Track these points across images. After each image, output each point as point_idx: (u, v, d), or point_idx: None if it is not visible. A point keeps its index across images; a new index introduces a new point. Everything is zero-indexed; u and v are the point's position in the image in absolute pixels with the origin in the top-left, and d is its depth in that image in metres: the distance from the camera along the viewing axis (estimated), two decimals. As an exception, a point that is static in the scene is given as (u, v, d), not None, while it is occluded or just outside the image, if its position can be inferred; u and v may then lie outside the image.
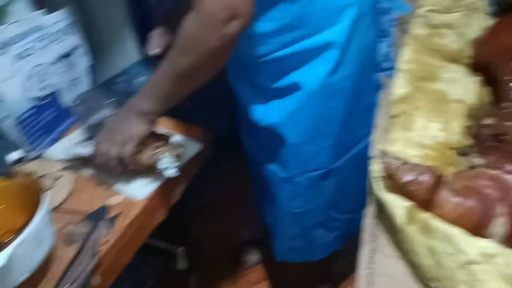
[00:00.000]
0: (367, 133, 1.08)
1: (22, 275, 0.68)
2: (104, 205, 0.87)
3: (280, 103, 0.99)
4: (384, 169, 0.60)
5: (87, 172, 0.96)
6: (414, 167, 0.59)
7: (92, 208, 0.85)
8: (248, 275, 1.65)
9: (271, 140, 1.04)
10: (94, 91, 1.02)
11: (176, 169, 0.87)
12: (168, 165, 0.86)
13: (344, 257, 1.51)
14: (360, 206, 1.23)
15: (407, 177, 0.59)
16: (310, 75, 0.94)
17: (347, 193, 1.14)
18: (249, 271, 1.66)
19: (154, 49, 1.04)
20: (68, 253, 0.76)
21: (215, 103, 1.63)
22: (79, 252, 0.73)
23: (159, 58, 1.02)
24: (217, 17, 0.71)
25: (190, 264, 1.34)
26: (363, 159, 1.11)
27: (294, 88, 0.96)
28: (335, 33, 0.91)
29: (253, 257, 1.66)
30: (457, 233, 0.49)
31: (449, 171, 0.68)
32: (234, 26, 0.73)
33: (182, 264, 1.20)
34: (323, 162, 1.05)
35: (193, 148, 1.02)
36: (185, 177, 1.00)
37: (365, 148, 1.08)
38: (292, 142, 1.01)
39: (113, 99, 1.01)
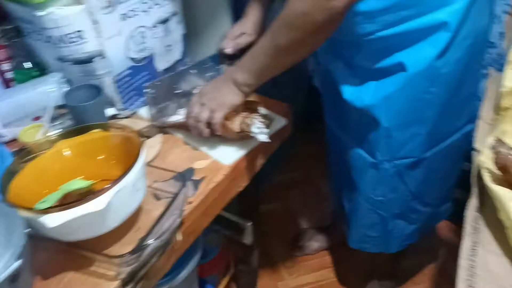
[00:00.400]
0: (463, 124, 1.04)
1: (116, 222, 0.71)
2: (191, 167, 0.89)
3: (378, 84, 0.95)
4: (497, 159, 0.56)
5: (177, 134, 0.99)
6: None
7: (180, 168, 0.88)
8: (308, 261, 1.64)
9: (362, 122, 1.01)
10: (167, 80, 1.05)
11: (266, 135, 0.88)
12: (260, 130, 0.87)
13: (413, 256, 1.46)
14: (443, 199, 1.20)
15: (524, 170, 0.54)
16: (416, 57, 0.89)
17: (433, 185, 1.09)
18: (309, 257, 1.65)
19: (227, 47, 1.06)
20: (156, 207, 0.79)
21: (292, 82, 1.62)
22: (166, 209, 0.75)
23: (231, 57, 1.05)
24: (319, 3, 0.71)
25: (255, 240, 1.36)
26: (455, 150, 1.06)
27: (396, 69, 0.92)
28: (449, 13, 0.86)
29: (315, 243, 1.65)
30: None
31: None
32: (342, 1, 0.72)
33: (248, 239, 1.21)
34: (414, 150, 1.01)
35: (278, 122, 1.02)
36: (267, 151, 1.01)
37: (459, 140, 1.04)
38: (384, 125, 0.97)
39: (183, 90, 1.04)
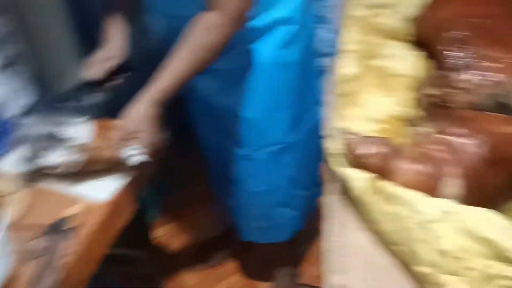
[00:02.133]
0: (319, 107, 1.14)
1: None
2: (64, 215, 0.84)
3: (236, 81, 1.01)
4: (343, 144, 0.62)
5: (44, 183, 0.91)
6: (372, 140, 0.62)
7: (52, 219, 0.82)
8: (215, 271, 1.64)
9: (228, 119, 1.06)
10: (39, 108, 0.98)
11: (142, 155, 0.85)
12: (132, 153, 0.84)
13: (306, 241, 1.54)
14: (320, 180, 1.28)
15: (367, 150, 0.61)
16: (266, 49, 0.98)
17: (307, 168, 1.18)
18: (216, 267, 1.65)
19: (95, 74, 1.03)
20: (29, 269, 0.73)
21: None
22: (40, 268, 0.70)
23: (99, 83, 1.03)
24: (239, 13, 0.80)
25: (155, 267, 1.32)
26: (319, 133, 1.16)
27: (251, 63, 0.99)
28: (291, 8, 0.96)
29: (219, 252, 1.66)
30: (416, 196, 0.52)
31: (402, 142, 0.71)
32: (246, 14, 0.82)
33: (145, 268, 1.17)
34: (281, 136, 1.08)
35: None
36: (146, 174, 0.98)
37: (320, 121, 1.14)
38: (248, 117, 1.04)
39: (58, 117, 0.98)
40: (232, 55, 0.98)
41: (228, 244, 1.68)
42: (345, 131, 0.63)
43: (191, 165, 1.77)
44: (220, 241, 1.68)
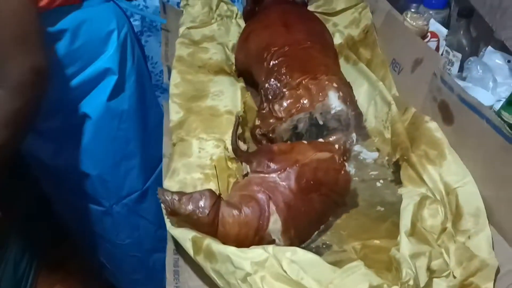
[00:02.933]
0: None
1: None
2: None
3: (73, 139, 0.98)
4: (165, 207, 0.63)
5: None
6: (191, 196, 0.63)
7: None
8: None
9: (75, 179, 1.03)
10: None
11: None
12: None
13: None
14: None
15: (188, 208, 0.62)
16: (94, 103, 0.96)
17: None
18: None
19: None
20: None
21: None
22: None
23: None
24: (26, 84, 0.71)
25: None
26: None
27: (83, 120, 0.97)
28: (107, 59, 0.95)
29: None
30: (233, 251, 0.55)
31: (231, 182, 0.75)
32: (43, 84, 0.74)
33: None
34: (135, 184, 1.07)
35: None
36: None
37: None
38: (95, 173, 1.01)
39: None
40: (61, 115, 0.96)
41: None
42: (166, 192, 0.64)
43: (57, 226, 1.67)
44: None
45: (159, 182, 1.12)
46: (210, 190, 0.65)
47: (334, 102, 0.78)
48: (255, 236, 0.63)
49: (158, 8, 1.57)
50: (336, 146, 0.71)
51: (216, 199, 0.64)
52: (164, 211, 0.65)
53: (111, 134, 0.99)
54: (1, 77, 0.69)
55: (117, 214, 1.08)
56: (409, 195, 0.65)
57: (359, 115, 0.82)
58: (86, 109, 0.96)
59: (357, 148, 0.84)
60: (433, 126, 0.72)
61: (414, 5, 1.08)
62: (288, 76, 0.81)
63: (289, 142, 0.78)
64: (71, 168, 1.01)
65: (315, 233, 0.69)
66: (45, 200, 1.25)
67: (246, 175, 0.72)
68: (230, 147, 0.80)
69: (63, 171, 1.03)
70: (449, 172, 0.66)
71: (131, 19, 1.19)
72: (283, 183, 0.66)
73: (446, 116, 0.70)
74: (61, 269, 1.73)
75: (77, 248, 1.46)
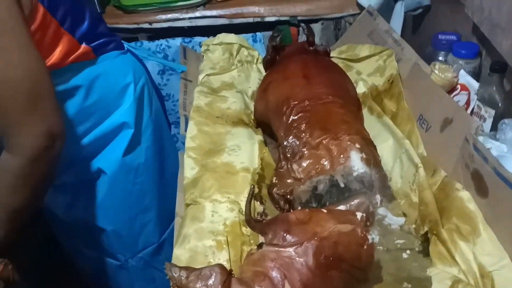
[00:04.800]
0: None
1: None
2: None
3: (88, 194, 0.96)
4: (172, 284, 0.59)
5: None
6: (200, 273, 0.59)
7: None
8: None
9: (90, 233, 1.00)
10: None
11: None
12: None
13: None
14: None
15: (197, 286, 0.58)
16: (109, 158, 0.94)
17: None
18: None
19: None
20: None
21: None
22: None
23: None
24: (39, 150, 0.68)
25: None
26: None
27: (98, 175, 0.95)
28: (124, 113, 0.93)
29: None
30: None
31: (244, 251, 0.70)
32: (57, 147, 0.71)
33: None
34: (150, 237, 1.05)
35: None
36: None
37: None
38: (111, 229, 0.99)
39: None
40: (75, 170, 0.94)
41: None
42: (172, 269, 0.60)
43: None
44: None
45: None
46: (220, 266, 0.60)
47: (357, 164, 0.74)
48: (268, 318, 0.58)
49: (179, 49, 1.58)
50: (358, 216, 0.66)
51: (226, 276, 0.59)
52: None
53: (127, 189, 0.97)
54: (14, 145, 0.68)
55: (132, 268, 1.05)
56: (440, 278, 0.59)
57: (383, 177, 0.77)
58: (101, 164, 0.94)
59: (381, 211, 0.78)
60: (466, 197, 0.66)
61: (442, 52, 1.04)
62: (308, 134, 0.77)
63: (307, 208, 0.73)
64: (85, 222, 0.99)
65: (335, 312, 0.64)
66: (56, 244, 1.24)
67: (261, 245, 0.67)
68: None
69: (77, 225, 1.02)
70: (483, 251, 0.60)
71: (153, 58, 1.18)
72: (300, 259, 0.61)
73: (479, 187, 0.64)
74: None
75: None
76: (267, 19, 1.52)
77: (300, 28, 1.46)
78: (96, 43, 0.87)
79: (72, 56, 0.82)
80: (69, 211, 1.00)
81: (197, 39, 1.53)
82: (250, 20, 1.52)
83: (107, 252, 1.04)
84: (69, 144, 0.88)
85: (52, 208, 1.02)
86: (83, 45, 0.84)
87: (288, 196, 0.77)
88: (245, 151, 0.87)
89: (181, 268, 0.60)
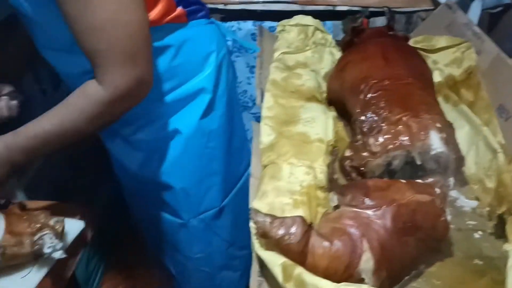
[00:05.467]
0: (246, 167, 1.16)
1: None
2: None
3: (161, 152, 1.01)
4: (256, 228, 0.62)
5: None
6: (283, 221, 0.62)
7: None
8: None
9: (159, 190, 1.05)
10: None
11: (61, 251, 0.81)
12: (52, 247, 0.80)
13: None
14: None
15: (279, 233, 0.61)
16: (187, 120, 0.98)
17: (242, 228, 1.16)
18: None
19: None
20: None
21: (93, 175, 1.58)
22: None
23: None
24: (128, 92, 0.73)
25: None
26: (247, 191, 1.17)
27: (173, 135, 0.99)
28: (204, 79, 0.97)
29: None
30: (327, 285, 0.53)
31: (319, 212, 0.73)
32: (142, 95, 0.76)
33: None
34: (213, 201, 1.09)
35: (75, 228, 0.96)
36: (72, 259, 0.94)
37: (247, 182, 1.14)
38: (180, 187, 1.03)
39: None
40: (153, 127, 0.99)
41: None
42: (258, 213, 0.64)
43: (130, 228, 1.73)
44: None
45: (235, 201, 1.13)
46: (301, 218, 0.64)
47: (436, 142, 0.75)
48: (344, 272, 0.61)
49: (250, 31, 1.63)
50: (437, 189, 0.68)
51: (307, 227, 0.63)
52: (254, 232, 0.65)
53: (199, 151, 1.01)
54: (108, 80, 0.72)
55: (193, 228, 1.09)
56: (518, 253, 0.60)
57: (460, 159, 0.78)
58: (178, 125, 0.98)
59: (453, 194, 0.79)
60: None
61: (523, 49, 1.03)
62: (387, 111, 0.79)
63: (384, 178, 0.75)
64: (156, 179, 1.03)
65: (406, 278, 0.66)
66: (121, 204, 1.31)
67: (337, 207, 0.70)
68: (320, 176, 0.79)
69: (148, 181, 1.05)
70: None
71: (230, 35, 1.23)
72: (378, 221, 0.63)
73: None
74: (127, 272, 1.78)
75: (145, 254, 1.50)
76: (338, 8, 1.54)
77: (370, 20, 1.47)
78: (189, 8, 0.93)
79: (169, 17, 0.88)
80: (143, 167, 1.04)
81: (267, 23, 1.57)
82: (322, 8, 1.55)
83: (172, 210, 1.08)
84: (152, 101, 0.94)
85: (127, 164, 1.07)
86: (179, 8, 0.90)
87: (362, 169, 0.79)
88: (320, 123, 0.90)
89: (265, 214, 0.64)
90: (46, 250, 0.81)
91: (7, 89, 0.94)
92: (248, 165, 1.18)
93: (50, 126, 0.76)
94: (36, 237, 0.82)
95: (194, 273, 1.17)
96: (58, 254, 0.82)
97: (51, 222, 0.89)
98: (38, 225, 0.84)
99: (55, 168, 1.30)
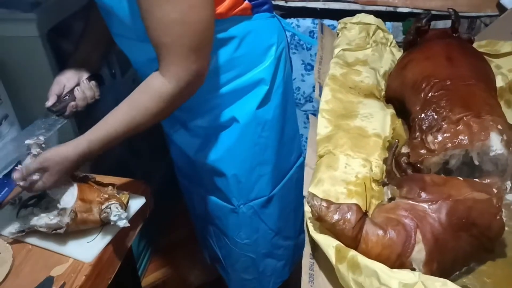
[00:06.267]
0: (296, 158, 1.21)
1: None
2: (50, 275, 0.86)
3: (217, 139, 1.06)
4: (312, 212, 0.65)
5: (31, 241, 0.93)
6: (339, 207, 0.65)
7: (37, 281, 0.83)
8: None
9: (212, 175, 1.10)
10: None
11: (125, 220, 0.88)
12: (119, 216, 0.87)
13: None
14: (300, 230, 1.32)
15: (334, 217, 0.64)
16: (244, 110, 1.03)
17: (288, 218, 1.22)
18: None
19: (51, 100, 0.98)
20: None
21: (149, 156, 1.65)
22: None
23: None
24: (188, 83, 0.78)
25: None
26: (296, 182, 1.21)
27: (230, 123, 1.04)
28: (263, 70, 1.02)
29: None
30: (381, 268, 0.55)
31: (373, 203, 0.75)
32: (197, 87, 0.82)
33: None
34: (263, 189, 1.13)
35: (136, 202, 1.03)
36: (130, 234, 1.01)
37: (296, 173, 1.21)
38: (232, 173, 1.08)
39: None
40: (211, 115, 1.04)
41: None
42: (315, 198, 0.67)
43: (177, 211, 1.80)
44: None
45: (283, 192, 1.17)
46: (357, 205, 0.66)
47: (496, 144, 0.75)
48: (396, 261, 0.63)
49: (308, 29, 1.66)
50: (494, 189, 0.68)
51: (362, 215, 0.65)
52: (309, 215, 0.68)
53: (253, 140, 1.05)
54: (173, 74, 0.77)
55: (242, 214, 1.13)
56: None
57: (519, 163, 0.77)
58: (235, 113, 1.03)
59: (509, 197, 0.79)
60: None
61: None
62: (448, 110, 0.80)
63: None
64: (210, 165, 1.08)
65: (456, 273, 0.67)
66: (173, 187, 1.36)
67: (392, 199, 0.72)
68: (375, 169, 0.81)
69: (202, 166, 1.11)
70: None
71: (291, 30, 1.26)
72: (433, 214, 0.64)
73: None
74: (173, 254, 1.86)
75: (192, 236, 1.57)
76: (400, 9, 1.54)
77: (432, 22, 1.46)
78: (255, 2, 0.97)
79: (236, 10, 0.92)
80: (198, 153, 1.09)
81: (326, 21, 1.59)
82: (383, 8, 1.55)
83: (223, 195, 1.13)
84: (212, 90, 0.99)
85: (184, 149, 1.12)
86: (246, 2, 0.94)
87: (418, 166, 0.80)
88: (378, 119, 0.91)
89: (322, 199, 0.67)
90: (113, 218, 0.88)
91: (85, 74, 1.02)
92: (298, 157, 1.22)
93: (120, 126, 0.82)
94: (104, 206, 0.90)
95: (239, 257, 1.22)
96: (123, 223, 0.89)
97: (118, 194, 0.96)
98: (106, 196, 0.91)
99: (116, 148, 1.39)
